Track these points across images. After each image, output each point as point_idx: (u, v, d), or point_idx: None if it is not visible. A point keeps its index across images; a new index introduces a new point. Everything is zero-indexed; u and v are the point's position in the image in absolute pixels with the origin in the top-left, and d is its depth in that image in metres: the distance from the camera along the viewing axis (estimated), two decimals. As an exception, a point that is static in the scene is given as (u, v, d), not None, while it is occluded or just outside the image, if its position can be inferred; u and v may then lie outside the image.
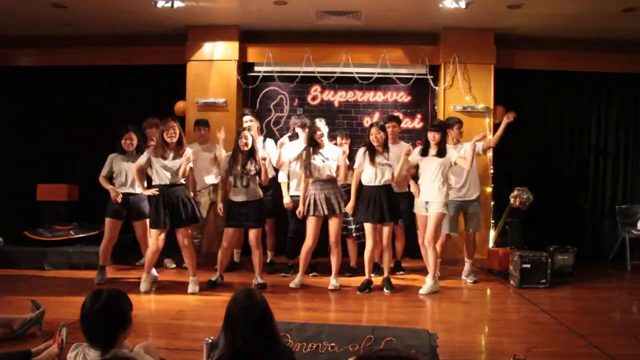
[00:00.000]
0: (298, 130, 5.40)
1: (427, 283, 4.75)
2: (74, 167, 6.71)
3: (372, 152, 4.75)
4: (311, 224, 4.81)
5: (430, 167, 4.79)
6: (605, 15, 5.54)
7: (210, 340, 2.59)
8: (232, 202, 4.81)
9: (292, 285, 4.85)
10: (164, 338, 3.44)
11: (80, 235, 5.82)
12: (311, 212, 4.78)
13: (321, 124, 4.85)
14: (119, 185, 5.04)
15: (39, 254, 5.54)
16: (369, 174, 4.76)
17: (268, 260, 5.62)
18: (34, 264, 5.47)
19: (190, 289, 4.65)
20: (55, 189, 6.27)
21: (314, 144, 4.83)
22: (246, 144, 4.75)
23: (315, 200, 4.78)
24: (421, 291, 4.70)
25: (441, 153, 4.75)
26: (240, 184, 4.76)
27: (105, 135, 6.32)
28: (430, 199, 4.77)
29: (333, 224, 4.80)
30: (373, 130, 4.74)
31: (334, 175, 4.84)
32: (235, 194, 4.79)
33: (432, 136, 4.77)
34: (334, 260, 4.87)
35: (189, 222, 4.70)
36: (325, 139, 4.87)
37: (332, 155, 4.83)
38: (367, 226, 4.75)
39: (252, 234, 4.80)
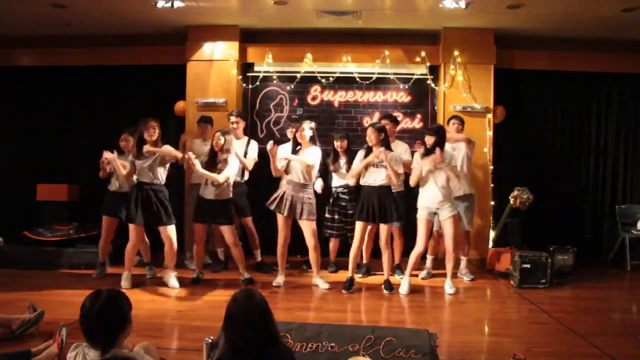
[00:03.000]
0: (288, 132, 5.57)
1: (448, 283, 4.82)
2: (74, 167, 6.70)
3: (367, 154, 4.76)
4: (279, 221, 4.85)
5: (434, 173, 4.76)
6: (605, 15, 5.54)
7: (210, 340, 2.59)
8: (202, 198, 4.93)
9: (274, 283, 4.91)
10: (164, 338, 3.44)
11: (80, 235, 5.81)
12: (275, 207, 4.81)
13: (305, 125, 4.82)
14: (116, 185, 5.15)
15: (39, 254, 5.54)
16: (366, 174, 4.78)
17: (258, 260, 5.61)
18: (34, 264, 5.46)
19: (171, 283, 4.78)
20: (55, 189, 6.27)
21: (296, 143, 4.87)
22: (217, 144, 4.89)
23: (282, 197, 4.80)
24: (450, 292, 4.76)
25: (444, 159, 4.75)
26: (212, 183, 4.84)
27: (106, 135, 6.32)
28: (440, 205, 4.76)
29: (304, 228, 4.82)
30: (368, 131, 4.75)
31: (307, 181, 4.81)
32: (206, 191, 4.90)
33: (428, 140, 4.79)
34: (311, 261, 4.94)
35: (161, 222, 4.74)
36: (308, 141, 4.81)
37: (308, 158, 4.77)
38: (357, 224, 4.80)
39: (226, 232, 4.91)
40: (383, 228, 4.75)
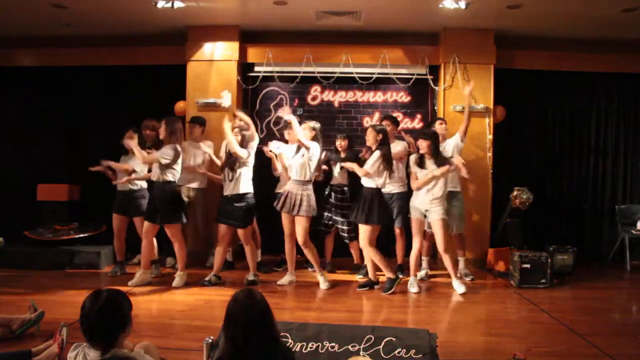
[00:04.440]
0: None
1: (455, 284, 4.81)
2: (74, 167, 6.69)
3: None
4: (282, 220, 4.95)
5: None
6: (605, 15, 5.54)
7: (210, 340, 2.59)
8: (223, 197, 4.99)
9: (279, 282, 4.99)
10: (164, 338, 3.44)
11: (80, 235, 5.81)
12: (279, 206, 4.88)
13: (312, 125, 4.97)
14: (122, 180, 5.22)
15: (39, 254, 5.54)
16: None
17: (258, 260, 5.58)
18: (34, 263, 5.47)
19: (174, 282, 4.84)
20: (55, 189, 6.28)
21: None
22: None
23: (285, 196, 4.87)
24: (461, 291, 4.74)
25: (440, 163, 4.76)
26: (226, 177, 4.92)
27: (105, 135, 6.34)
28: (429, 207, 4.79)
29: (296, 223, 4.85)
30: (367, 131, 4.84)
31: (304, 177, 4.84)
32: (224, 188, 4.96)
33: (420, 144, 4.81)
34: (309, 258, 4.98)
35: (160, 221, 4.80)
36: (302, 138, 4.82)
37: (299, 154, 4.86)
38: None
39: (239, 231, 4.95)
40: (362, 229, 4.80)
